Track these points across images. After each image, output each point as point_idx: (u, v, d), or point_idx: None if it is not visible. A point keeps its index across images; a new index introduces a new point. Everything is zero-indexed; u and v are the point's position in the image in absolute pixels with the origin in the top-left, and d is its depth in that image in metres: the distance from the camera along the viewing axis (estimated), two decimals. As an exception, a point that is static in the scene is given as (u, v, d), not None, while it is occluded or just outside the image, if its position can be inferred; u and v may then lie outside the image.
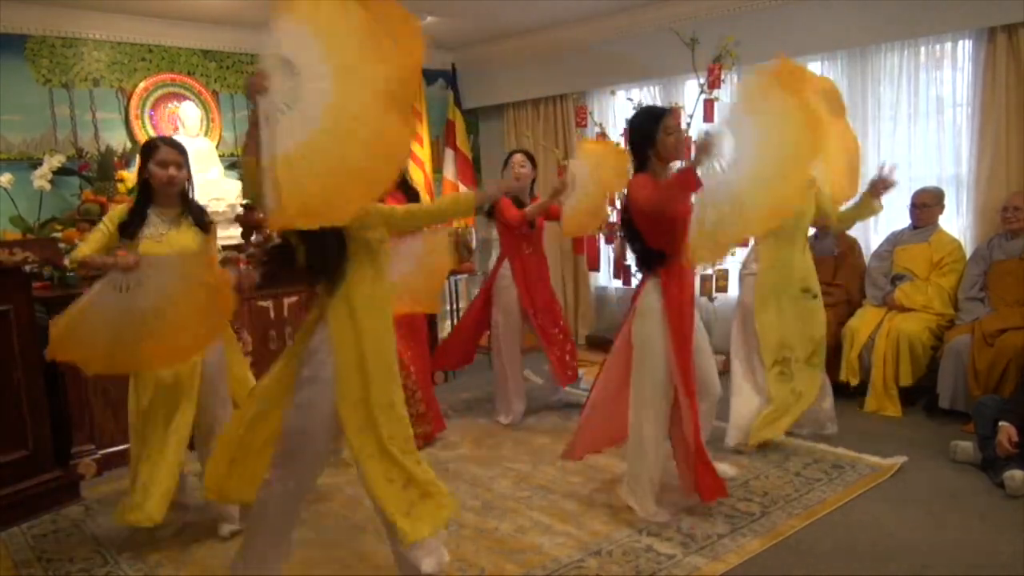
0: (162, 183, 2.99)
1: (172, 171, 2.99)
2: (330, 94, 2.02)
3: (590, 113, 5.84)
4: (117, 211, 3.04)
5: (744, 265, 3.90)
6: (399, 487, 2.35)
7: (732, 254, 3.47)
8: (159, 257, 2.91)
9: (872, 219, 4.98)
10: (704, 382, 3.23)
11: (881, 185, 3.57)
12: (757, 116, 2.74)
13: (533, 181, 4.56)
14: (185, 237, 3.04)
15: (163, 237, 3.00)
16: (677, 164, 3.18)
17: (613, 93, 5.91)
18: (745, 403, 3.78)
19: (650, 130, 3.06)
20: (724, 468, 3.48)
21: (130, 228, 2.97)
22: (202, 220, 3.11)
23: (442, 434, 4.26)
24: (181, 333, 2.88)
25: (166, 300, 2.82)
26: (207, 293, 2.88)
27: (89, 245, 2.91)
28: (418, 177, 6.28)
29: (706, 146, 2.71)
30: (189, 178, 3.08)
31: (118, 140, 4.91)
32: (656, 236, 3.04)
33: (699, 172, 2.74)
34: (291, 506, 2.43)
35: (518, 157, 4.45)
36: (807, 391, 3.76)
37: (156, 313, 2.81)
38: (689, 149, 3.21)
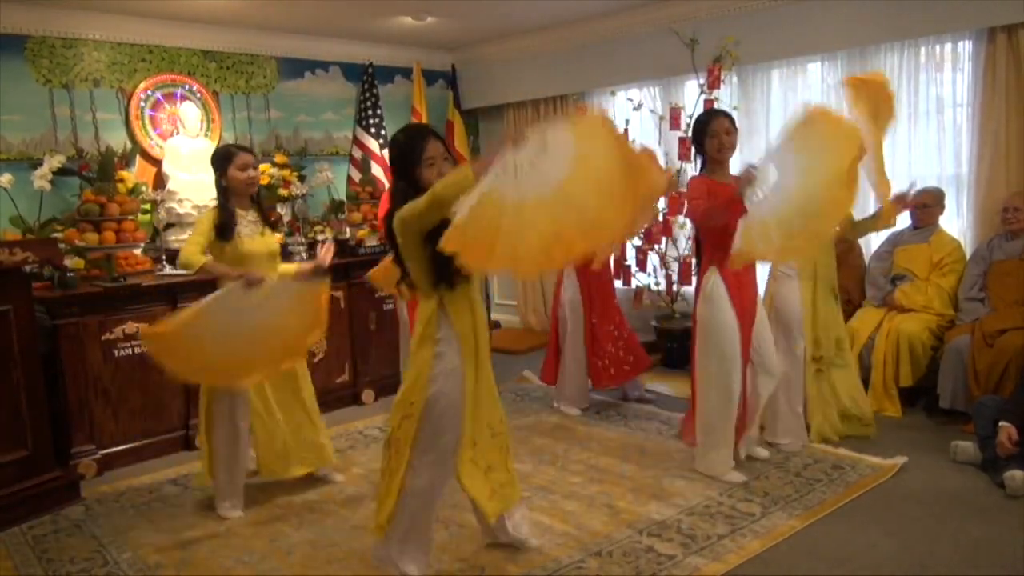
0: (244, 185, 3.30)
1: (251, 172, 3.32)
2: (567, 172, 2.18)
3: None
4: (209, 215, 3.32)
5: (778, 267, 3.85)
6: (482, 470, 2.60)
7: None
8: (284, 281, 3.28)
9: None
10: (765, 360, 3.53)
11: (903, 203, 3.79)
12: (798, 154, 2.99)
13: None
14: (269, 235, 3.40)
15: (255, 235, 3.33)
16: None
17: (613, 93, 5.91)
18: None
19: (698, 135, 3.44)
20: (760, 451, 3.72)
21: (228, 230, 3.26)
22: (268, 218, 3.43)
23: None
24: (287, 347, 3.20)
25: (281, 317, 3.14)
26: (315, 311, 3.23)
27: (195, 247, 3.20)
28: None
29: (749, 178, 3.04)
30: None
31: (118, 140, 4.91)
32: (707, 234, 3.43)
33: (745, 200, 3.08)
34: (429, 498, 2.56)
35: None
36: (843, 390, 3.91)
37: (269, 330, 3.12)
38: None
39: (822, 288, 3.87)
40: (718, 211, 3.22)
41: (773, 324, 3.81)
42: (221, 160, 3.33)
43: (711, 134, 3.37)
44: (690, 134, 3.51)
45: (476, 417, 2.55)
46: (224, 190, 3.32)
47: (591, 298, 4.57)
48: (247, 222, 3.34)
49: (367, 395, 5.12)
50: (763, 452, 3.73)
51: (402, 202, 2.37)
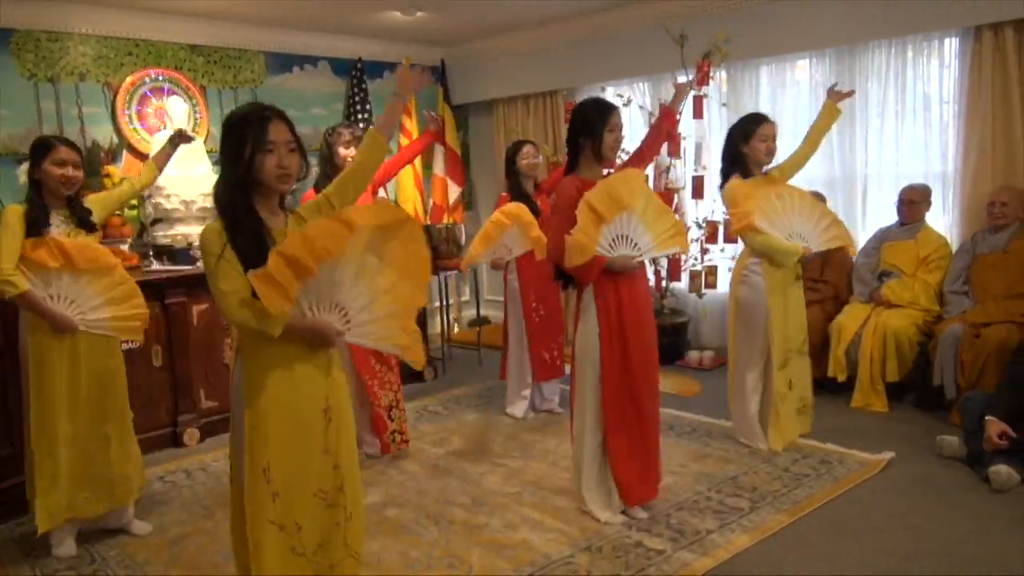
0: (57, 182, 2.94)
1: (70, 170, 2.95)
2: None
3: (579, 110, 5.83)
4: (18, 211, 2.91)
5: (742, 263, 3.79)
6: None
7: None
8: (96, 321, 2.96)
9: (860, 216, 5.04)
10: None
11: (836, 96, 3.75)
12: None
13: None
14: (83, 237, 3.01)
15: (65, 235, 2.96)
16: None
17: (603, 89, 5.92)
18: (748, 402, 3.81)
19: (592, 125, 2.98)
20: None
21: (38, 225, 2.89)
22: (88, 222, 3.06)
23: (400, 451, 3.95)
24: None
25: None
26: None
27: (11, 258, 2.81)
28: (408, 173, 6.28)
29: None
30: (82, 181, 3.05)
31: (104, 135, 4.87)
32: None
33: None
34: None
35: (529, 148, 4.45)
36: (798, 380, 3.75)
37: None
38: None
39: (789, 275, 3.69)
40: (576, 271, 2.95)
41: (743, 323, 3.75)
42: (37, 150, 2.96)
43: (610, 128, 2.98)
44: (572, 123, 3.07)
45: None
46: (35, 183, 2.96)
47: (533, 283, 4.36)
48: (59, 220, 2.98)
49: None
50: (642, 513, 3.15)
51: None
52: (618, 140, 3.03)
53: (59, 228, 2.97)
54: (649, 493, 3.15)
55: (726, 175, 3.77)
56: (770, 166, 3.75)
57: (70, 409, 2.97)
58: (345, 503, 2.18)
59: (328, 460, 2.14)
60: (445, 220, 6.44)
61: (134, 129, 4.99)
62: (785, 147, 3.88)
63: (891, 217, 4.72)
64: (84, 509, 3.03)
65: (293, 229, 2.10)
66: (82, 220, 3.04)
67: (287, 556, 2.10)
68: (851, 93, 3.83)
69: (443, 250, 5.74)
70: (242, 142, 2.00)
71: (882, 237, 4.69)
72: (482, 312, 6.50)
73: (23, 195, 4.31)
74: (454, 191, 6.59)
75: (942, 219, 4.70)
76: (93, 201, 3.16)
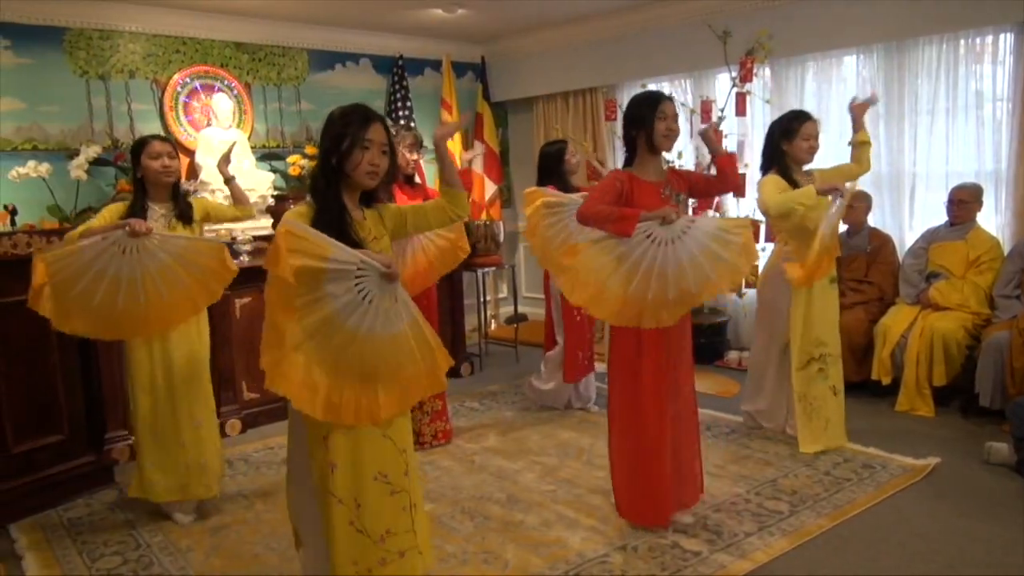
0: (157, 174, 3.09)
1: (165, 160, 3.10)
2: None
3: (620, 107, 5.80)
4: (116, 208, 3.09)
5: (772, 261, 3.85)
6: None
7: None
8: (173, 235, 3.03)
9: (907, 216, 4.91)
10: None
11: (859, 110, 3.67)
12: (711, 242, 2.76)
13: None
14: (180, 231, 3.17)
15: (168, 227, 3.12)
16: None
17: (643, 86, 5.85)
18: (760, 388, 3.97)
19: (638, 118, 2.90)
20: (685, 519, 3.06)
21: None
22: (187, 214, 3.21)
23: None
24: (176, 304, 2.99)
25: (170, 270, 2.91)
26: (209, 271, 3.05)
27: (90, 226, 2.95)
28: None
29: (667, 217, 2.70)
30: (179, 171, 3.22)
31: (153, 131, 4.96)
32: None
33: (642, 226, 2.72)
34: None
35: (571, 146, 4.43)
36: (840, 385, 3.73)
37: (159, 279, 2.88)
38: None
39: (823, 279, 3.65)
40: (608, 221, 2.78)
41: (759, 318, 3.84)
42: (134, 151, 3.13)
43: (660, 116, 2.86)
44: (624, 118, 3.02)
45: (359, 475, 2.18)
46: (140, 183, 3.12)
47: None
48: (158, 216, 3.11)
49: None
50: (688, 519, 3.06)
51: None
52: (671, 129, 2.90)
53: (158, 222, 3.10)
54: (646, 519, 3.01)
55: (765, 171, 3.72)
56: (810, 165, 3.69)
57: (166, 395, 3.17)
58: (410, 489, 2.25)
59: (389, 444, 2.21)
60: (483, 217, 6.46)
61: (181, 125, 5.09)
62: (831, 145, 3.82)
63: (940, 217, 4.60)
64: (180, 493, 3.23)
65: (372, 223, 2.25)
66: (182, 213, 3.20)
67: (349, 531, 2.15)
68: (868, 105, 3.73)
69: (481, 247, 5.75)
70: (343, 135, 2.14)
71: (930, 238, 4.57)
72: (520, 309, 6.50)
73: (74, 190, 4.52)
74: (490, 188, 6.61)
75: (994, 220, 4.57)
76: (212, 206, 3.40)
